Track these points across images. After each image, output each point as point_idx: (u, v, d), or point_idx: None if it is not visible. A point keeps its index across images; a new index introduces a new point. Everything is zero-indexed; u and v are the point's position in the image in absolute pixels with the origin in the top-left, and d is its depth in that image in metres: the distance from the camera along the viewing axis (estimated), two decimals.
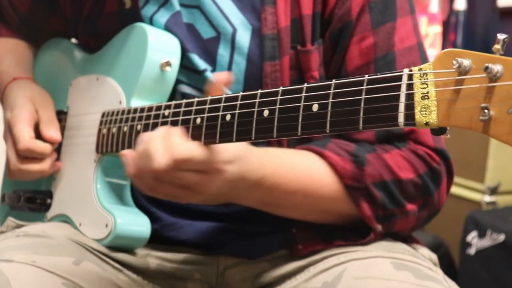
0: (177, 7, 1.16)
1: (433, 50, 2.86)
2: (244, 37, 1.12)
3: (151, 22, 1.16)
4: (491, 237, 2.09)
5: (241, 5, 1.13)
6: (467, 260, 2.16)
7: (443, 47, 2.88)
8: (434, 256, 1.14)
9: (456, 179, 2.40)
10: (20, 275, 0.96)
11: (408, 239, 1.15)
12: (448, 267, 2.31)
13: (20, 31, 1.41)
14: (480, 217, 2.16)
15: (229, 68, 1.13)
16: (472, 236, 2.15)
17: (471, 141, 2.33)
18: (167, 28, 1.15)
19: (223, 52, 1.13)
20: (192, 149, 0.90)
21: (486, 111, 0.67)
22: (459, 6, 2.79)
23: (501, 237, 2.06)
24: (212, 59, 1.14)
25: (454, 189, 2.40)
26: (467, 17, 2.79)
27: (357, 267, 1.01)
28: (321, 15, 1.11)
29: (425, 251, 1.14)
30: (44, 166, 1.18)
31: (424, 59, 1.14)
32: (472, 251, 2.14)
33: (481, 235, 2.12)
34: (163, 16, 1.16)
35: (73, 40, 1.35)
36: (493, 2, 2.76)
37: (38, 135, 1.20)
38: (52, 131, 1.20)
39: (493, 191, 2.34)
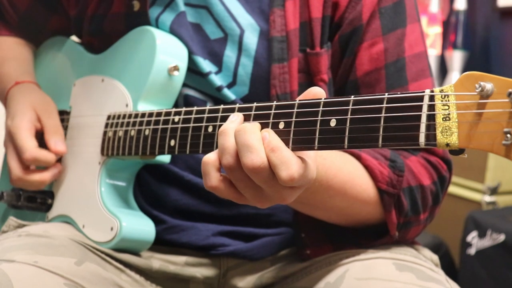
0: (182, 7, 1.15)
1: (433, 50, 2.86)
2: (251, 39, 1.12)
3: (156, 23, 1.16)
4: (491, 237, 2.09)
5: (249, 7, 1.13)
6: (467, 260, 2.16)
7: (443, 47, 2.88)
8: (435, 257, 1.15)
9: (456, 179, 2.41)
10: (22, 276, 0.96)
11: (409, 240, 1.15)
12: (448, 267, 2.31)
13: (20, 30, 1.40)
14: (480, 217, 2.16)
15: (235, 69, 1.13)
16: (472, 236, 2.15)
17: None
18: (172, 29, 1.15)
19: (229, 53, 1.13)
20: (293, 158, 0.82)
21: (509, 135, 0.68)
22: (459, 6, 2.79)
23: (501, 237, 2.07)
24: (218, 60, 1.14)
25: (454, 189, 2.41)
26: (467, 17, 2.79)
27: (359, 268, 1.01)
28: (331, 18, 1.12)
29: (426, 252, 1.14)
30: (45, 176, 1.18)
31: (430, 66, 1.15)
32: (472, 251, 2.14)
33: (481, 235, 2.12)
34: (168, 17, 1.16)
35: (74, 39, 1.34)
36: (493, 2, 2.77)
37: (41, 143, 1.19)
38: (58, 142, 1.19)
39: (493, 191, 2.35)
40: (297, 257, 1.14)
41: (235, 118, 0.86)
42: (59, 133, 1.20)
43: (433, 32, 2.86)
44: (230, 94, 1.12)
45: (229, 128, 0.84)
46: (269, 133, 0.82)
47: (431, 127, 0.73)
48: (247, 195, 0.85)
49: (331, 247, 1.10)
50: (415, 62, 1.12)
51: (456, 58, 2.76)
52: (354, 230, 1.10)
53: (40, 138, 1.20)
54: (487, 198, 2.35)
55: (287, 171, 0.79)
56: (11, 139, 1.19)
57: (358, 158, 1.05)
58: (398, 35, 1.12)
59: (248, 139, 0.80)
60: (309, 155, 0.83)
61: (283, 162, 0.79)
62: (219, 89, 1.12)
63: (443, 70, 2.89)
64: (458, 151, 0.73)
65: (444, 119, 0.72)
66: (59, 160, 1.22)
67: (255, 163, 0.79)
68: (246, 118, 0.88)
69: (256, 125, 0.83)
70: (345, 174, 1.01)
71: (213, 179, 0.84)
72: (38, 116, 1.20)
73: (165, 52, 1.12)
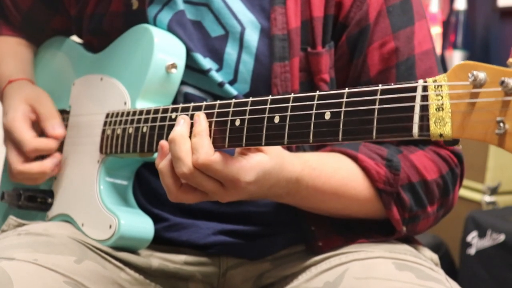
0: (181, 5, 1.15)
1: None
2: (252, 36, 1.12)
3: (154, 22, 1.16)
4: (491, 237, 2.09)
5: (250, 4, 1.13)
6: (467, 260, 2.16)
7: (443, 47, 2.88)
8: (435, 257, 1.15)
9: None
10: (21, 273, 0.96)
11: (410, 240, 1.15)
12: (448, 267, 2.31)
13: (23, 30, 1.40)
14: (480, 217, 2.17)
15: (236, 67, 1.13)
16: (472, 236, 2.15)
17: (471, 141, 2.33)
18: (170, 27, 1.15)
19: (230, 50, 1.13)
20: (213, 159, 0.90)
21: (501, 124, 0.68)
22: (459, 6, 2.80)
23: (501, 237, 2.07)
24: (219, 58, 1.14)
25: None
26: (467, 17, 2.80)
27: (359, 268, 1.02)
28: (335, 18, 1.12)
29: (426, 252, 1.14)
30: (45, 166, 1.18)
31: (438, 63, 1.16)
32: (472, 251, 2.14)
33: (481, 235, 2.12)
34: (166, 16, 1.16)
35: (75, 39, 1.35)
36: (493, 2, 2.77)
37: (39, 133, 1.20)
38: (55, 127, 1.19)
39: (493, 191, 2.35)
40: (297, 257, 1.13)
41: (182, 122, 0.94)
42: (55, 117, 1.21)
43: (433, 32, 2.86)
44: (232, 90, 1.12)
45: (176, 135, 0.92)
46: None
47: (424, 118, 0.74)
48: (210, 193, 0.95)
49: (342, 239, 1.10)
50: (423, 60, 1.12)
51: (456, 58, 2.76)
52: (363, 225, 1.11)
53: (38, 128, 1.20)
54: (487, 198, 2.35)
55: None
56: (8, 135, 1.20)
57: (355, 159, 1.07)
58: (408, 33, 1.12)
59: (177, 151, 0.91)
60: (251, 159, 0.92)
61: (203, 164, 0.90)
62: (221, 85, 1.12)
63: (443, 70, 2.88)
64: (452, 142, 0.73)
65: (437, 110, 0.73)
66: (59, 151, 1.22)
67: (184, 172, 0.91)
68: (242, 113, 0.89)
69: (185, 133, 0.93)
70: (337, 180, 1.04)
71: (174, 193, 0.95)
72: (31, 107, 1.21)
73: (163, 50, 1.12)
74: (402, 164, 1.07)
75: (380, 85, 0.78)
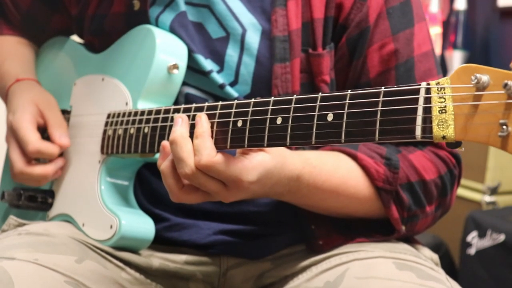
0: (183, 7, 1.16)
1: None
2: (253, 38, 1.12)
3: (156, 23, 1.17)
4: (491, 237, 2.09)
5: (251, 6, 1.14)
6: (467, 260, 2.16)
7: (443, 47, 2.88)
8: (435, 256, 1.16)
9: None
10: (22, 273, 0.96)
11: (410, 239, 1.15)
12: (448, 267, 2.31)
13: (22, 29, 1.41)
14: (480, 217, 2.17)
15: (237, 68, 1.13)
16: (472, 236, 2.15)
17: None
18: (172, 28, 1.15)
19: (231, 52, 1.13)
20: (216, 160, 0.91)
21: (504, 127, 0.68)
22: (459, 6, 2.80)
23: (501, 237, 2.07)
24: (220, 59, 1.14)
25: None
26: (467, 17, 2.80)
27: (359, 267, 1.02)
28: (335, 20, 1.12)
29: (426, 251, 1.15)
30: (48, 170, 1.18)
31: (437, 64, 1.16)
32: (472, 251, 2.14)
33: (481, 235, 2.12)
34: (168, 17, 1.16)
35: (76, 39, 1.35)
36: (493, 2, 2.77)
37: (44, 138, 1.19)
38: (62, 135, 1.20)
39: (493, 191, 2.35)
40: (298, 256, 1.14)
41: (180, 122, 0.94)
42: (63, 127, 1.21)
43: (433, 32, 2.86)
44: (232, 91, 1.13)
45: (177, 136, 0.93)
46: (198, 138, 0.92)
47: (427, 120, 0.74)
48: (212, 194, 0.95)
49: (342, 238, 1.10)
50: (423, 61, 1.13)
51: (456, 58, 2.76)
52: (363, 224, 1.11)
53: (42, 133, 1.20)
54: (487, 198, 2.35)
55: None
56: (13, 133, 1.20)
57: (354, 158, 1.07)
58: (407, 35, 1.12)
59: (179, 152, 0.91)
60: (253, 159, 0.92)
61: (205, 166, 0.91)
62: (222, 86, 1.12)
63: (443, 70, 2.89)
64: (455, 144, 0.73)
65: (440, 112, 0.73)
66: (61, 156, 1.22)
67: (186, 173, 0.91)
68: (244, 114, 0.89)
69: (186, 133, 0.93)
70: (337, 178, 1.05)
71: (176, 194, 0.96)
72: (40, 111, 1.21)
73: (164, 51, 1.12)
74: (401, 164, 1.08)
75: (383, 87, 0.78)
